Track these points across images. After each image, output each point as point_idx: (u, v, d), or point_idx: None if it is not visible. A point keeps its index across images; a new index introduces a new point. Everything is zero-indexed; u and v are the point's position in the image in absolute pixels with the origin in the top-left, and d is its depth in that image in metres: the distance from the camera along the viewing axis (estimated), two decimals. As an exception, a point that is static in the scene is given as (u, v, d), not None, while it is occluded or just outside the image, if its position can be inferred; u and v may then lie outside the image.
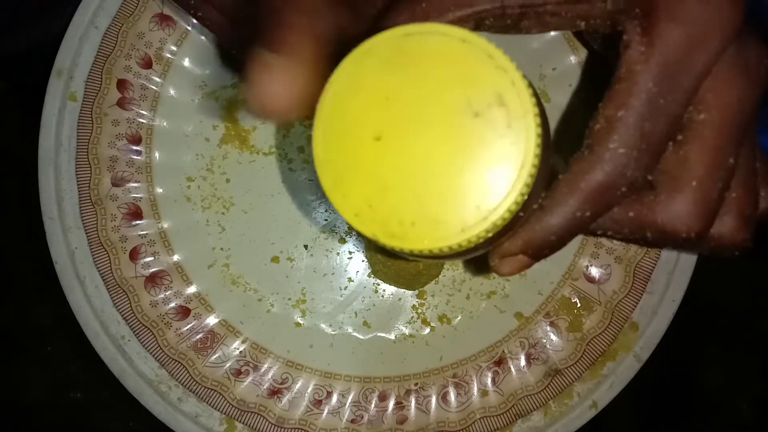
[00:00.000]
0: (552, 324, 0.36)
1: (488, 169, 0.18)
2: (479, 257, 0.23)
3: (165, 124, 0.35)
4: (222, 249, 0.36)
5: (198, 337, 0.35)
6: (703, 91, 0.22)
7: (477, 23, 0.23)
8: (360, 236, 0.36)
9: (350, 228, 0.36)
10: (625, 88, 0.21)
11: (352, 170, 0.19)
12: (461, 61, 0.18)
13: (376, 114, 0.19)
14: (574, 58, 0.36)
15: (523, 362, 0.35)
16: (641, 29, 0.21)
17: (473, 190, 0.18)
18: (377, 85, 0.19)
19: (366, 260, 0.36)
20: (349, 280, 0.36)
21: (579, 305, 0.35)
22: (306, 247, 0.36)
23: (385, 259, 0.34)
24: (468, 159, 0.18)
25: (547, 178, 0.22)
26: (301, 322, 0.36)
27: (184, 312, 0.35)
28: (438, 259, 0.22)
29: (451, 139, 0.18)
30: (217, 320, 0.35)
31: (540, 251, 0.23)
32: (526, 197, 0.19)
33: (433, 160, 0.18)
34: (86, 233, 0.34)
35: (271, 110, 0.19)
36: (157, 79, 0.35)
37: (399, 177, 0.18)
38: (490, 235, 0.19)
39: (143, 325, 0.34)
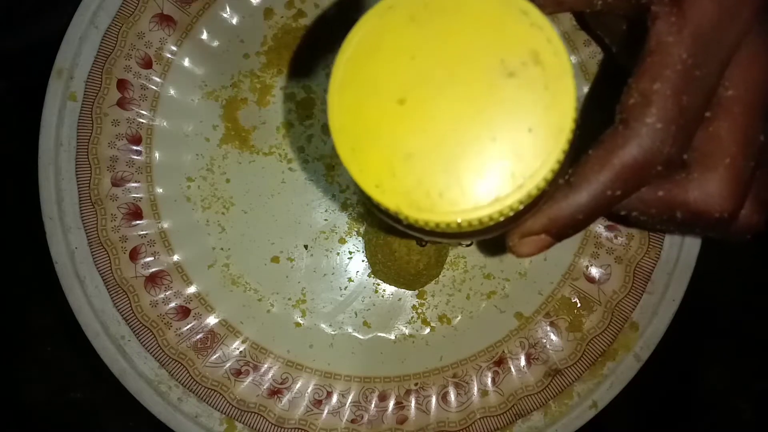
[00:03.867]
0: (552, 324, 0.36)
1: (524, 133, 0.16)
2: (497, 239, 0.22)
3: (165, 124, 0.35)
4: (222, 249, 0.36)
5: (198, 337, 0.35)
6: (730, 67, 0.21)
7: None
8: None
9: (350, 228, 0.36)
10: (659, 61, 0.20)
11: (372, 137, 0.17)
12: (493, 16, 0.17)
13: (399, 75, 0.17)
14: (575, 59, 0.36)
15: (523, 362, 0.35)
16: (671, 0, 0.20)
17: (507, 157, 0.17)
18: (401, 43, 0.17)
19: (366, 260, 0.36)
20: (349, 280, 0.36)
21: (579, 305, 0.35)
22: (306, 247, 0.36)
23: (385, 259, 0.34)
24: (502, 123, 0.17)
25: (572, 155, 0.20)
26: (301, 322, 0.36)
27: (184, 312, 0.35)
28: (462, 237, 0.20)
29: (483, 101, 0.17)
30: (217, 320, 0.35)
31: (564, 230, 0.21)
32: (560, 167, 0.17)
33: (463, 125, 0.17)
34: (86, 233, 0.34)
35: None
36: (157, 79, 0.35)
37: (425, 143, 0.17)
38: (522, 207, 0.17)
39: (143, 325, 0.34)
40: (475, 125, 0.17)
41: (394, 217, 0.18)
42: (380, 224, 0.35)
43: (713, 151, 0.21)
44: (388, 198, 0.17)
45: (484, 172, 0.17)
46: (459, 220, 0.17)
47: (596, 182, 0.20)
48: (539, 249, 0.22)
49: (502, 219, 0.17)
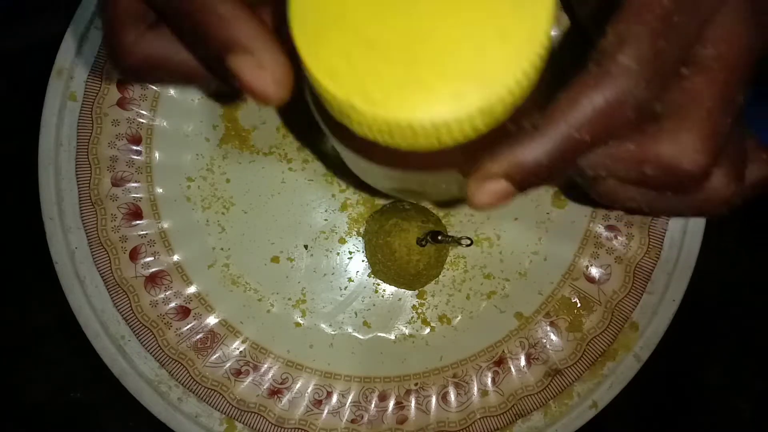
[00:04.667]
0: (552, 324, 0.36)
1: (492, 35, 0.15)
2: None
3: (165, 124, 0.35)
4: (222, 249, 0.36)
5: (198, 337, 0.35)
6: (712, 26, 0.20)
7: None
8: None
9: (350, 228, 0.36)
10: (639, 2, 0.19)
11: (332, 24, 0.16)
12: None
13: None
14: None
15: (523, 362, 0.35)
16: None
17: (472, 56, 0.15)
18: None
19: (366, 260, 0.36)
20: (349, 280, 0.36)
21: (579, 305, 0.35)
22: (306, 247, 0.36)
23: (385, 259, 0.34)
24: (471, 20, 0.16)
25: (541, 102, 0.19)
26: (301, 322, 0.36)
27: (184, 312, 0.35)
28: (418, 165, 0.19)
29: None
30: (217, 320, 0.35)
31: (527, 177, 0.19)
32: (529, 89, 0.16)
33: (432, 20, 0.16)
34: (86, 233, 0.34)
35: (275, 97, 0.18)
36: (157, 79, 0.35)
37: (387, 32, 0.16)
38: (484, 129, 0.16)
39: (143, 325, 0.34)
40: (444, 22, 0.16)
41: (346, 128, 0.17)
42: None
43: (689, 104, 0.20)
44: (341, 88, 0.16)
45: (446, 68, 0.15)
46: (412, 123, 0.16)
47: (563, 124, 0.19)
48: (498, 199, 0.20)
49: (460, 137, 0.16)
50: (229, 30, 0.18)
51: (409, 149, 0.17)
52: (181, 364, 0.34)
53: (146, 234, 0.35)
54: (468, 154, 0.18)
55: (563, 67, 0.20)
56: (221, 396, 0.34)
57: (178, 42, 0.20)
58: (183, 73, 0.21)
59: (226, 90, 0.20)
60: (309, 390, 0.35)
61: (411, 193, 0.29)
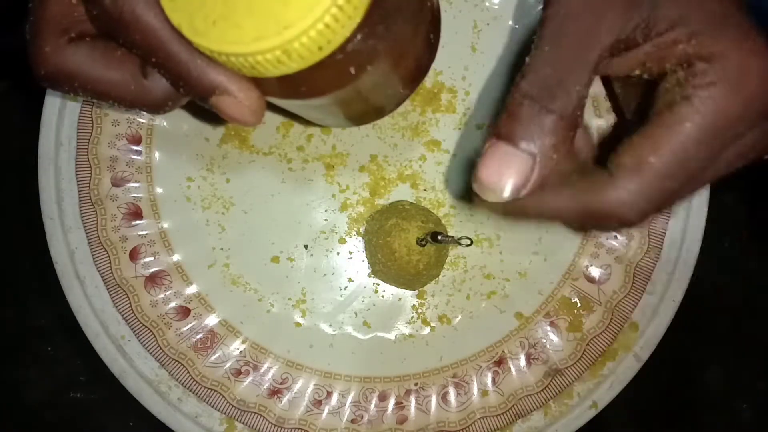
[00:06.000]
0: (552, 324, 0.36)
1: None
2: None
3: (165, 123, 0.35)
4: (222, 249, 0.36)
5: (198, 337, 0.35)
6: (699, 89, 0.21)
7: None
8: (360, 236, 0.36)
9: (350, 228, 0.36)
10: (666, 137, 0.21)
11: None
12: None
13: None
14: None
15: (523, 362, 0.35)
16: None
17: (278, 2, 0.17)
18: None
19: (366, 260, 0.36)
20: (349, 280, 0.36)
21: (579, 305, 0.35)
22: (306, 247, 0.36)
23: (385, 259, 0.34)
24: None
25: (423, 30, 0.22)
26: (301, 322, 0.36)
27: (184, 312, 0.35)
28: (259, 81, 0.21)
29: None
30: (217, 320, 0.35)
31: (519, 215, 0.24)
32: (336, 30, 0.18)
33: None
34: (86, 233, 0.34)
35: (253, 122, 0.22)
36: (157, 79, 0.35)
37: None
38: (290, 63, 0.18)
39: (143, 325, 0.34)
40: None
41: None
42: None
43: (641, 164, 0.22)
44: (174, 13, 0.18)
45: (254, 10, 0.18)
46: (226, 52, 0.18)
47: (559, 207, 0.22)
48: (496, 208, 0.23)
49: (273, 68, 0.18)
50: (210, 76, 0.20)
51: (257, 76, 0.20)
52: (181, 364, 0.34)
53: (146, 234, 0.35)
54: (317, 82, 0.20)
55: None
56: (221, 396, 0.34)
57: (96, 59, 0.22)
58: (95, 90, 0.22)
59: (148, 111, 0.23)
60: (309, 390, 0.35)
61: (317, 118, 0.31)
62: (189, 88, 0.21)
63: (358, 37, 0.19)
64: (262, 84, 0.21)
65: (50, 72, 0.22)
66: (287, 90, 0.21)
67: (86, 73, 0.22)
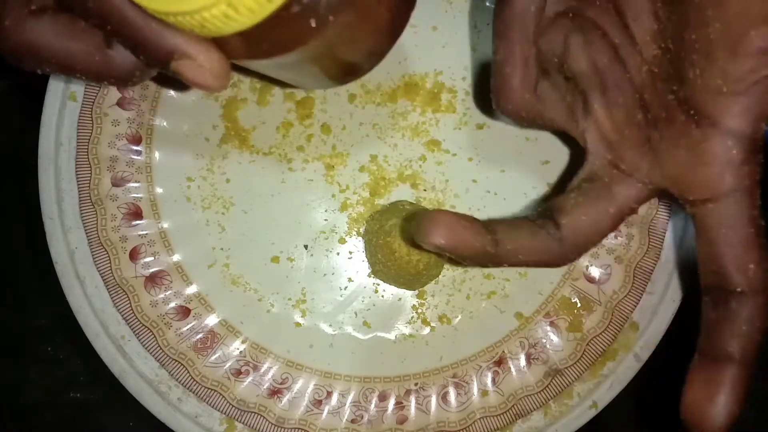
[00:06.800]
0: (552, 324, 0.36)
1: None
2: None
3: (165, 124, 0.35)
4: (222, 249, 0.36)
5: (198, 337, 0.35)
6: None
7: None
8: (360, 236, 0.36)
9: (350, 228, 0.36)
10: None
11: None
12: None
13: None
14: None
15: (523, 362, 0.35)
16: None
17: None
18: None
19: (366, 260, 0.36)
20: (349, 280, 0.36)
21: (579, 305, 0.35)
22: (306, 247, 0.36)
23: (385, 259, 0.34)
24: None
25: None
26: (301, 322, 0.36)
27: (184, 312, 0.35)
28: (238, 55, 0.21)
29: None
30: (217, 320, 0.35)
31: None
32: None
33: None
34: (86, 233, 0.34)
35: (217, 87, 0.21)
36: (157, 79, 0.35)
37: None
38: (239, 18, 0.18)
39: (143, 325, 0.34)
40: None
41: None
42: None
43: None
44: None
45: None
46: (173, 11, 0.18)
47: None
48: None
49: (235, 15, 0.18)
50: (167, 40, 0.20)
51: (213, 36, 0.20)
52: (181, 364, 0.34)
53: (146, 234, 0.35)
54: (278, 38, 0.20)
55: None
56: (221, 396, 0.34)
57: (59, 31, 0.21)
58: (60, 63, 0.22)
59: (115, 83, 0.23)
60: (309, 390, 0.35)
61: (294, 80, 0.31)
62: (147, 55, 0.21)
63: None
64: (223, 45, 0.20)
65: (12, 46, 0.21)
66: (248, 49, 0.20)
67: (49, 46, 0.21)
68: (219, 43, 0.20)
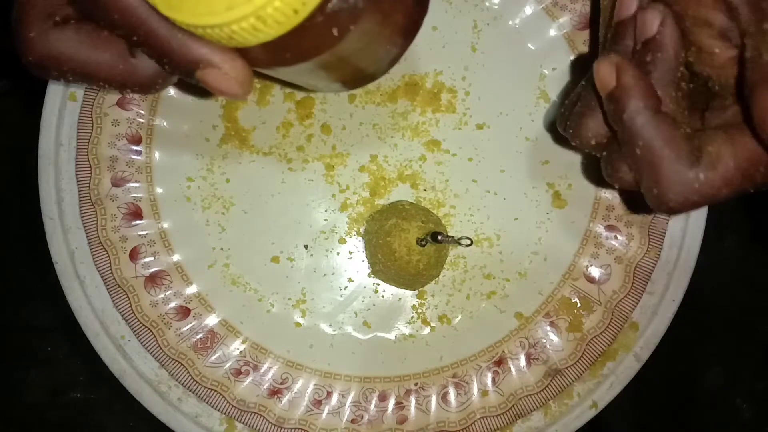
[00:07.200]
0: (552, 324, 0.36)
1: None
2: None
3: (165, 124, 0.35)
4: (222, 249, 0.36)
5: (198, 337, 0.35)
6: None
7: None
8: (359, 236, 0.36)
9: (350, 228, 0.36)
10: None
11: None
12: None
13: None
14: (574, 57, 0.36)
15: (523, 362, 0.35)
16: None
17: None
18: None
19: (366, 260, 0.36)
20: (349, 280, 0.36)
21: (579, 305, 0.35)
22: (306, 247, 0.36)
23: (385, 259, 0.34)
24: None
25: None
26: (301, 322, 0.36)
27: (184, 312, 0.35)
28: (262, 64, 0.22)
29: None
30: (217, 320, 0.35)
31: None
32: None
33: None
34: (86, 233, 0.34)
35: (242, 94, 0.22)
36: (157, 79, 0.35)
37: None
38: (267, 29, 0.18)
39: (143, 325, 0.34)
40: None
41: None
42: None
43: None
44: None
45: None
46: (201, 24, 0.18)
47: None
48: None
49: (248, 36, 0.19)
50: (193, 50, 0.20)
51: (239, 46, 0.20)
52: (181, 364, 0.34)
53: (146, 234, 0.35)
54: (301, 47, 0.20)
55: None
56: (221, 396, 0.34)
57: (82, 42, 0.22)
58: (84, 72, 0.22)
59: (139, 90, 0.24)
60: (309, 390, 0.35)
61: (309, 84, 0.31)
62: (173, 65, 0.21)
63: None
64: (246, 54, 0.21)
65: (37, 58, 0.22)
66: (272, 57, 0.21)
67: (73, 56, 0.22)
68: (242, 51, 0.21)
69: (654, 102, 0.23)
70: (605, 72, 0.24)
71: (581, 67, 0.36)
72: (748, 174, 0.22)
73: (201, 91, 0.35)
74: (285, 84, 0.35)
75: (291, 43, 0.20)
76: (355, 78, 0.28)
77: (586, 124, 0.26)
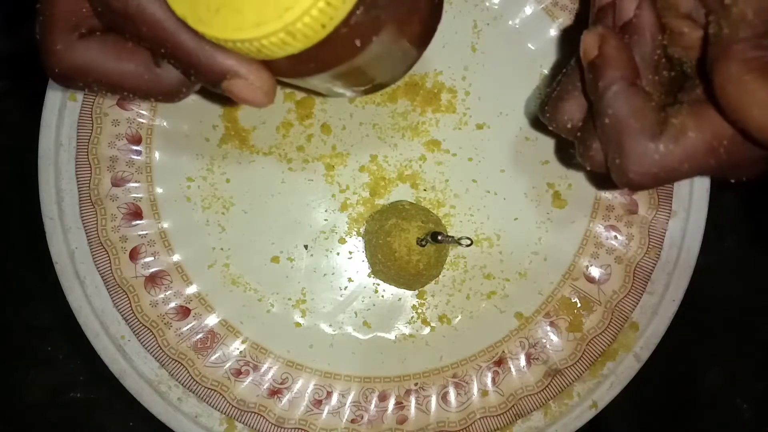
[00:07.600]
0: (552, 324, 0.36)
1: None
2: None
3: (165, 124, 0.35)
4: (222, 249, 0.36)
5: (198, 337, 0.35)
6: None
7: None
8: (360, 237, 0.36)
9: (350, 228, 0.36)
10: None
11: None
12: None
13: None
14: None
15: (523, 362, 0.35)
16: None
17: None
18: None
19: (366, 260, 0.36)
20: (349, 280, 0.36)
21: (579, 305, 0.35)
22: (306, 247, 0.36)
23: (385, 259, 0.34)
24: None
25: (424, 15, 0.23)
26: (301, 322, 0.36)
27: (184, 312, 0.35)
28: (283, 73, 0.22)
29: None
30: (217, 320, 0.35)
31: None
32: (337, 6, 0.18)
33: None
34: (86, 233, 0.34)
35: (266, 103, 0.22)
36: (157, 79, 0.35)
37: None
38: (295, 43, 0.19)
39: (143, 325, 0.34)
40: None
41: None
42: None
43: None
44: (178, 5, 0.19)
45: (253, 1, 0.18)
46: (231, 39, 0.19)
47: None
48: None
49: (277, 51, 0.19)
50: (220, 62, 0.21)
51: (266, 59, 0.21)
52: (181, 364, 0.34)
53: (146, 234, 0.35)
54: (325, 58, 0.21)
55: None
56: (221, 396, 0.34)
57: (108, 53, 0.22)
58: (110, 83, 0.23)
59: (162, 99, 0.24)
60: (309, 390, 0.35)
61: (326, 90, 0.32)
62: (200, 76, 0.21)
63: (360, 9, 0.19)
64: (271, 64, 0.21)
65: (64, 69, 0.22)
66: (296, 68, 0.21)
67: (99, 67, 0.22)
68: (267, 61, 0.21)
69: (630, 74, 0.24)
70: (589, 42, 0.24)
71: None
72: (711, 148, 0.22)
73: (202, 91, 0.35)
74: (286, 85, 0.35)
75: (315, 54, 0.20)
76: (373, 84, 0.29)
77: (563, 107, 0.27)
